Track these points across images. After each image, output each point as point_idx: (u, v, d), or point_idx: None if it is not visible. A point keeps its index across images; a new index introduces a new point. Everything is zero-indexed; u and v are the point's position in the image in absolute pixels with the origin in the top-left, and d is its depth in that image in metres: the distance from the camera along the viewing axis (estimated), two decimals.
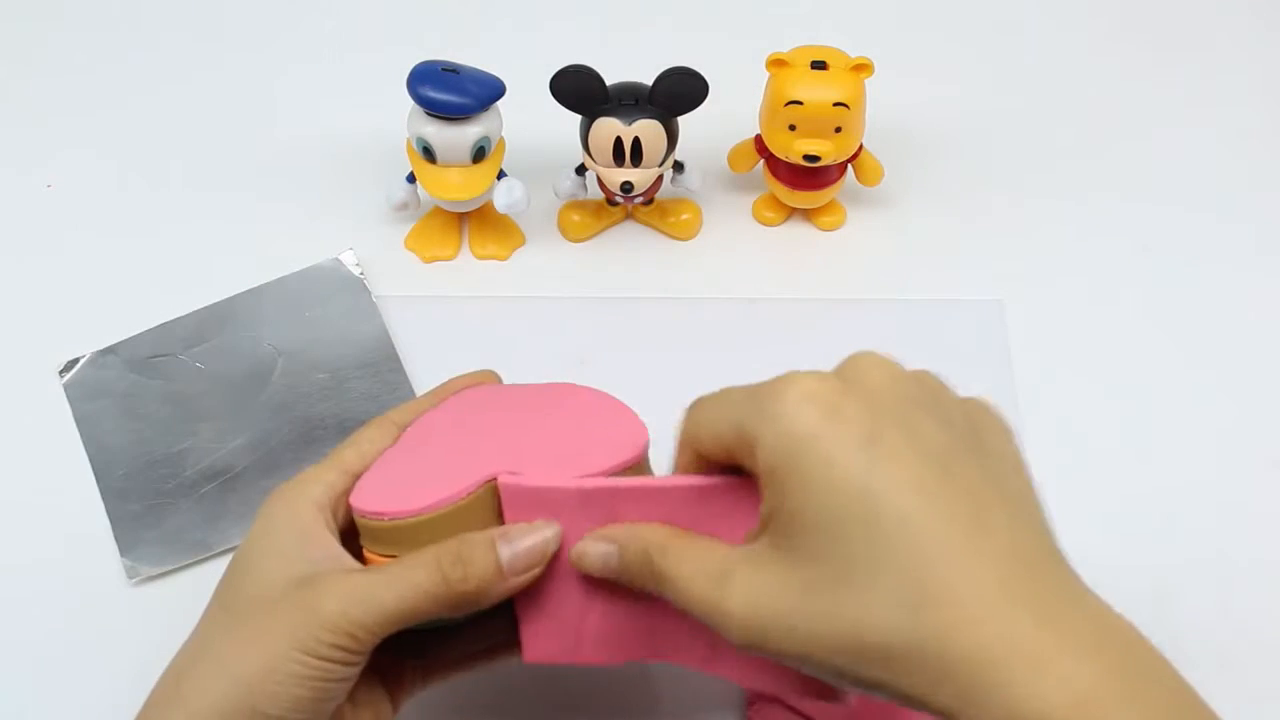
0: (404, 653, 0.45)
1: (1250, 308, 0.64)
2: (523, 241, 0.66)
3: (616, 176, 0.61)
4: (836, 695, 0.40)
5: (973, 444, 0.37)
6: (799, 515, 0.35)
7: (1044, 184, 0.69)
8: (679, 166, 0.64)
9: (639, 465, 0.43)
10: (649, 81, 0.59)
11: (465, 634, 0.46)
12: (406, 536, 0.42)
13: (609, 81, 0.60)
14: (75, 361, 0.61)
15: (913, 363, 0.39)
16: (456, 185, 0.61)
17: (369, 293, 0.63)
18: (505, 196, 0.63)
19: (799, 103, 0.60)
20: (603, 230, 0.67)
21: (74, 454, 0.59)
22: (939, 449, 0.35)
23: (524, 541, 0.41)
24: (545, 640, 0.42)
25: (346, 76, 0.73)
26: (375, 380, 0.61)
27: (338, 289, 0.63)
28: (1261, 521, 0.57)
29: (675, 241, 0.67)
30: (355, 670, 0.41)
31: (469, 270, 0.65)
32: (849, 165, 0.64)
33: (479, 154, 0.61)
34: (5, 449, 0.59)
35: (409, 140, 0.61)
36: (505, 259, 0.66)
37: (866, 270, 0.65)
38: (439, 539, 0.41)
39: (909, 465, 0.35)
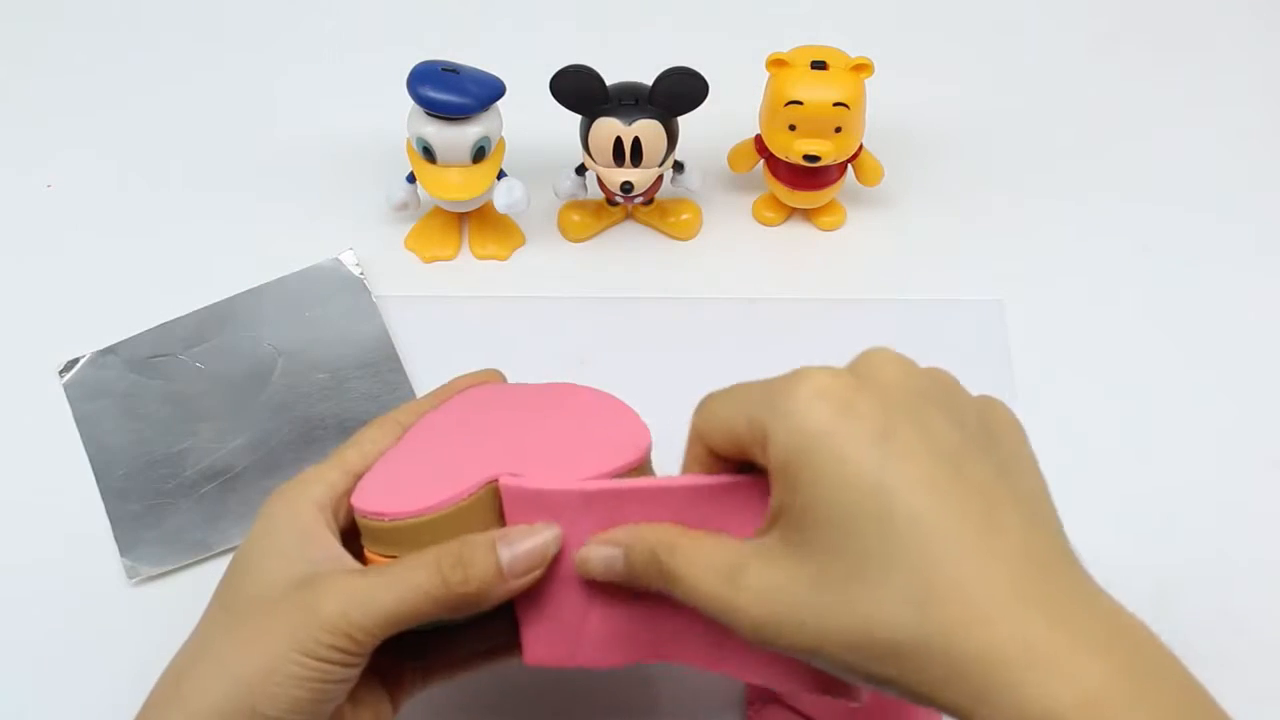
0: (404, 653, 0.45)
1: (1250, 308, 0.64)
2: (523, 241, 0.66)
3: (616, 176, 0.61)
4: (848, 692, 0.40)
5: (985, 442, 0.37)
6: (810, 510, 0.35)
7: (1044, 184, 0.69)
8: (679, 166, 0.64)
9: (641, 467, 0.43)
10: (649, 81, 0.59)
11: (466, 635, 0.46)
12: (407, 537, 0.42)
13: (609, 81, 0.60)
14: (75, 361, 0.61)
15: None
16: (456, 185, 0.61)
17: (369, 293, 0.63)
18: (505, 196, 0.63)
19: (799, 103, 0.60)
20: (603, 230, 0.67)
21: (74, 454, 0.59)
22: (952, 447, 0.35)
23: (524, 544, 0.41)
24: (546, 642, 0.42)
25: (346, 76, 0.73)
26: (375, 380, 0.61)
27: (338, 289, 0.63)
28: (1261, 521, 0.57)
29: (675, 241, 0.67)
30: (355, 672, 0.41)
31: (469, 270, 0.65)
32: (849, 165, 0.64)
33: (479, 154, 0.61)
34: (5, 449, 0.59)
35: (409, 140, 0.61)
36: (505, 259, 0.66)
37: (866, 270, 0.65)
38: (440, 540, 0.41)
39: (921, 462, 0.35)
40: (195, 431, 0.59)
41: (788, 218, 0.67)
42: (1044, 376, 0.61)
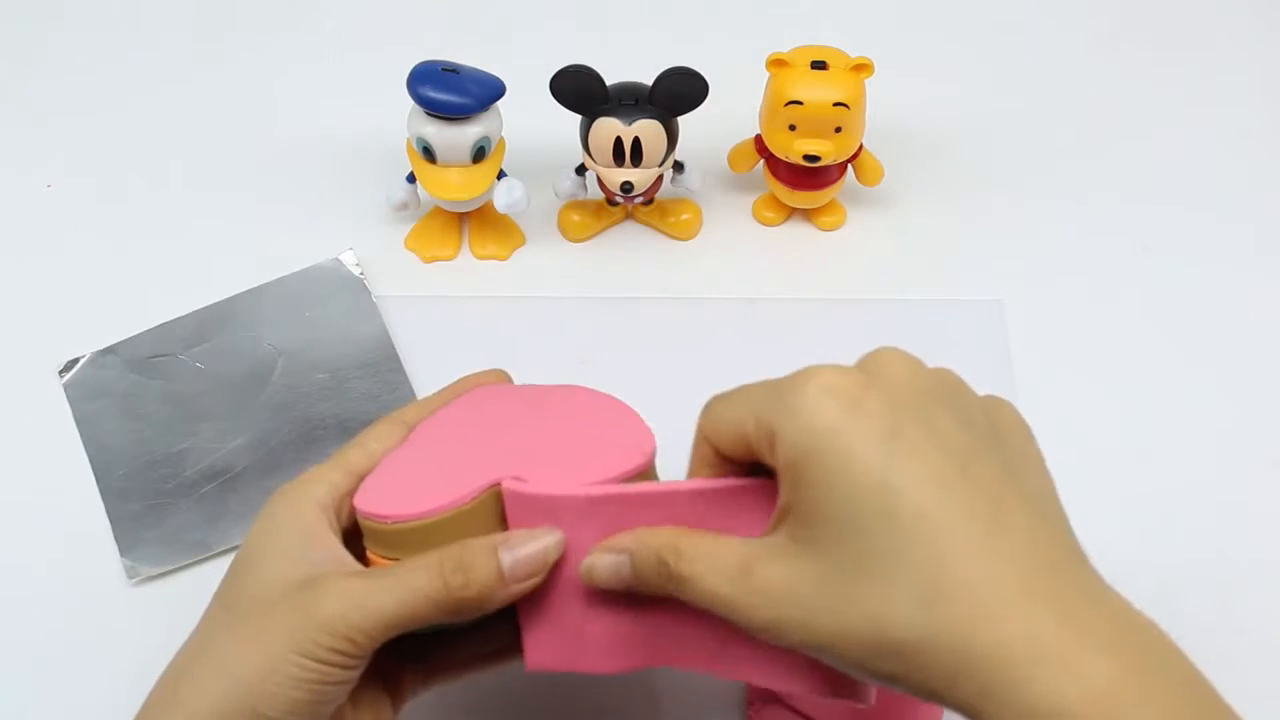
0: (405, 655, 0.45)
1: (1250, 308, 0.64)
2: (523, 241, 0.66)
3: (616, 176, 0.61)
4: (855, 693, 0.40)
5: (992, 442, 0.37)
6: (818, 508, 0.35)
7: (1044, 184, 0.69)
8: (679, 166, 0.64)
9: (646, 473, 0.43)
10: (649, 81, 0.59)
11: (468, 638, 0.46)
12: (409, 540, 0.42)
13: (609, 81, 0.60)
14: (75, 361, 0.61)
15: None
16: (456, 185, 0.61)
17: (369, 293, 0.63)
18: (505, 196, 0.63)
19: (799, 103, 0.60)
20: (603, 230, 0.67)
21: (74, 454, 0.59)
22: (959, 445, 0.36)
23: (526, 549, 0.40)
24: (547, 647, 0.42)
25: (346, 76, 0.73)
26: (375, 380, 0.61)
27: (338, 289, 0.63)
28: (1261, 521, 0.57)
29: (675, 241, 0.67)
30: (354, 674, 0.41)
31: (469, 270, 0.65)
32: (849, 165, 0.64)
33: (479, 154, 0.61)
34: (5, 449, 0.59)
35: (409, 140, 0.61)
36: (505, 259, 0.66)
37: (866, 270, 0.65)
38: (442, 543, 0.41)
39: (929, 460, 0.35)
40: (195, 431, 0.59)
41: (788, 218, 0.67)
42: (1044, 376, 0.61)
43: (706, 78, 0.59)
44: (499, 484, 0.42)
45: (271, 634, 0.40)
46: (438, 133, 0.60)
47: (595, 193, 0.65)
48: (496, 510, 0.42)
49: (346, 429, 0.59)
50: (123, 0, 0.77)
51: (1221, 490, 0.58)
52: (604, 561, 0.40)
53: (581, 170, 0.64)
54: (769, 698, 0.51)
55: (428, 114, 0.60)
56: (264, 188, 0.68)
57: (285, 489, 0.44)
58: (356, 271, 0.64)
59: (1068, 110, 0.72)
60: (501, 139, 0.62)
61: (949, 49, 0.75)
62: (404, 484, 0.44)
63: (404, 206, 0.65)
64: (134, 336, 0.62)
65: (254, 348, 0.62)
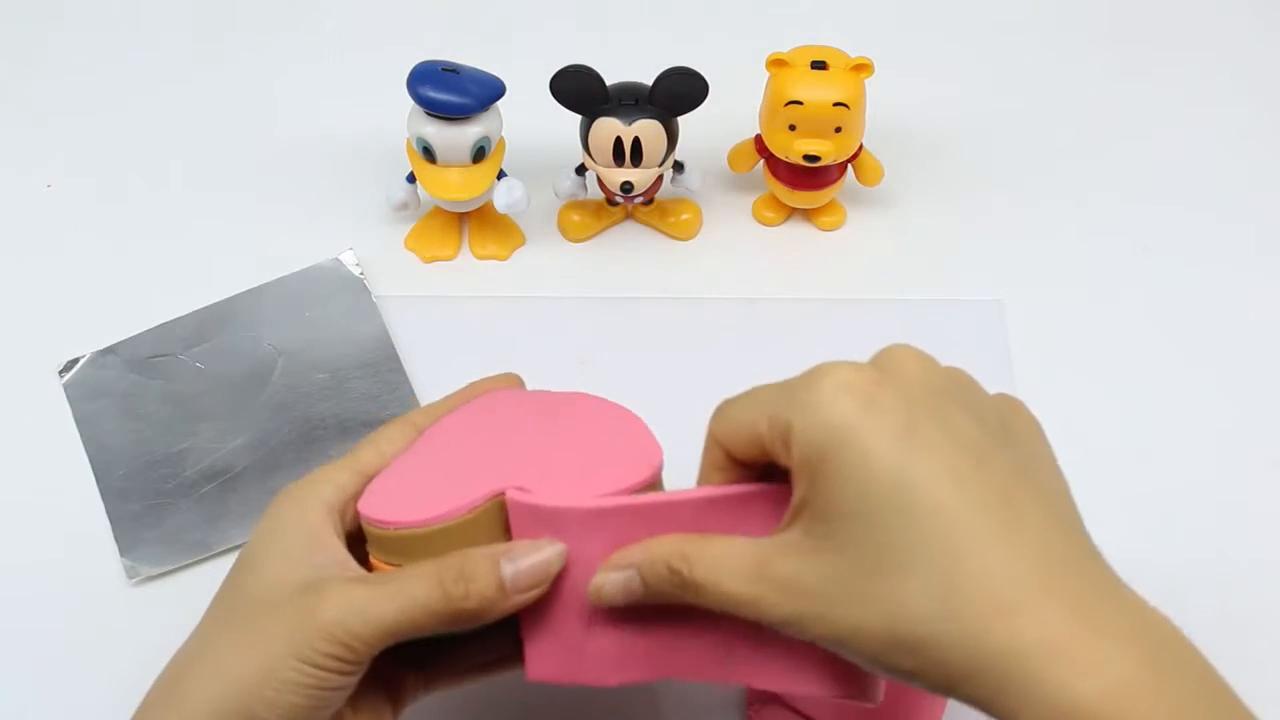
0: (406, 661, 0.45)
1: (1250, 308, 0.64)
2: (523, 241, 0.66)
3: (616, 176, 0.61)
4: (864, 692, 0.40)
5: (1006, 439, 0.37)
6: (834, 504, 0.35)
7: (1044, 184, 0.69)
8: (679, 166, 0.64)
9: (652, 486, 0.43)
10: (649, 81, 0.59)
11: (469, 645, 0.46)
12: (412, 547, 0.42)
13: (609, 81, 0.60)
14: (75, 361, 0.61)
15: None
16: (456, 185, 0.61)
17: (369, 293, 0.63)
18: (505, 196, 0.63)
19: (799, 103, 0.60)
20: (603, 230, 0.67)
21: (74, 454, 0.59)
22: (974, 442, 0.36)
23: (527, 560, 0.40)
24: (549, 659, 0.42)
25: (346, 76, 0.73)
26: (375, 380, 0.61)
27: (338, 289, 0.63)
28: (1261, 521, 0.57)
29: (675, 241, 0.67)
30: (352, 680, 0.40)
31: (469, 270, 0.65)
32: (849, 165, 0.64)
33: (479, 154, 0.61)
34: (5, 449, 0.59)
35: (409, 140, 0.61)
36: (505, 259, 0.66)
37: (866, 270, 0.65)
38: (444, 551, 0.41)
39: (945, 456, 0.35)
40: (195, 431, 0.59)
41: (788, 218, 0.67)
42: (1044, 376, 0.61)
43: (706, 78, 0.59)
44: (503, 493, 0.41)
45: (270, 637, 0.40)
46: (438, 133, 0.60)
47: (595, 193, 0.65)
48: (500, 519, 0.42)
49: (346, 429, 0.59)
50: (123, 0, 0.77)
51: (1221, 490, 0.58)
52: (612, 579, 0.40)
53: (581, 170, 0.64)
54: (769, 698, 0.51)
55: (428, 114, 0.60)
56: (264, 188, 0.68)
57: (291, 489, 0.44)
58: (356, 271, 0.64)
59: (1068, 110, 0.72)
60: (501, 139, 0.62)
61: (949, 49, 0.75)
62: (408, 490, 0.43)
63: (404, 206, 0.65)
64: (134, 336, 0.62)
65: (254, 348, 0.62)
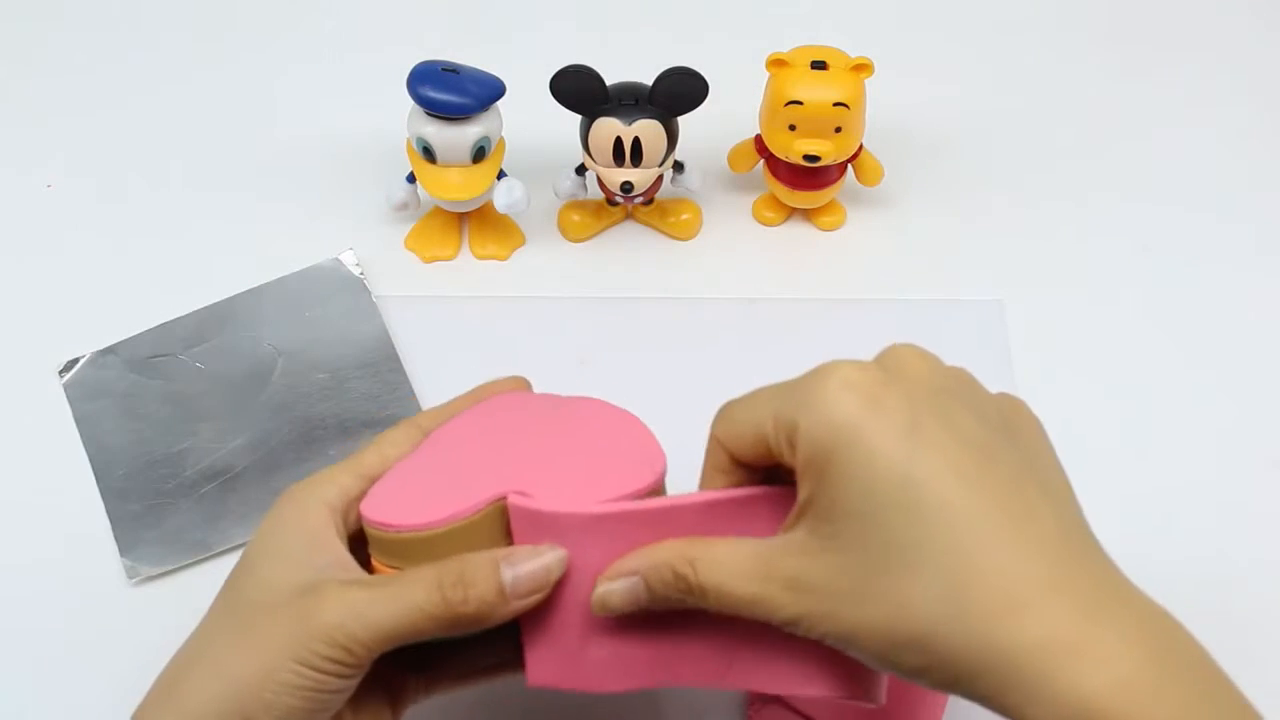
0: (407, 663, 0.45)
1: (1250, 308, 0.64)
2: (523, 241, 0.66)
3: (616, 176, 0.61)
4: (867, 693, 0.40)
5: (1009, 438, 0.37)
6: (839, 503, 0.35)
7: (1044, 184, 0.69)
8: (679, 166, 0.64)
9: (655, 492, 0.42)
10: (649, 81, 0.59)
11: (471, 649, 0.46)
12: (413, 550, 0.41)
13: (609, 81, 0.60)
14: (75, 361, 0.61)
15: None
16: (456, 185, 0.61)
17: (369, 293, 0.63)
18: (505, 196, 0.63)
19: (799, 103, 0.60)
20: (603, 230, 0.67)
21: (74, 454, 0.59)
22: (979, 440, 0.36)
23: (528, 565, 0.40)
24: (550, 665, 0.42)
25: (346, 76, 0.73)
26: (375, 380, 0.61)
27: (338, 289, 0.63)
28: (1261, 521, 0.57)
29: (675, 241, 0.67)
30: (351, 683, 0.40)
31: (469, 270, 0.65)
32: (849, 165, 0.64)
33: (479, 154, 0.61)
34: (5, 449, 0.59)
35: (409, 140, 0.61)
36: (505, 259, 0.66)
37: (866, 270, 0.66)
38: (445, 555, 0.41)
39: (950, 454, 0.35)
40: (195, 431, 0.59)
41: (788, 218, 0.67)
42: (1044, 376, 0.61)
43: (706, 78, 0.59)
44: (505, 497, 0.41)
45: (269, 639, 0.40)
46: (438, 133, 0.60)
47: (595, 193, 0.65)
48: (502, 524, 0.41)
49: (346, 429, 0.59)
50: (123, 0, 0.77)
51: (1221, 490, 0.58)
52: (616, 588, 0.40)
53: (581, 170, 0.64)
54: (769, 698, 0.51)
55: (428, 114, 0.60)
56: (264, 188, 0.68)
57: (294, 489, 0.44)
58: (356, 271, 0.64)
59: (1068, 110, 0.72)
60: (501, 139, 0.62)
61: (949, 49, 0.75)
62: (411, 492, 0.43)
63: (404, 206, 0.65)
64: (134, 336, 0.62)
65: (254, 348, 0.62)
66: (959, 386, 0.38)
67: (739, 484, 0.41)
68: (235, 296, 0.63)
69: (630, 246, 0.66)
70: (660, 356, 0.62)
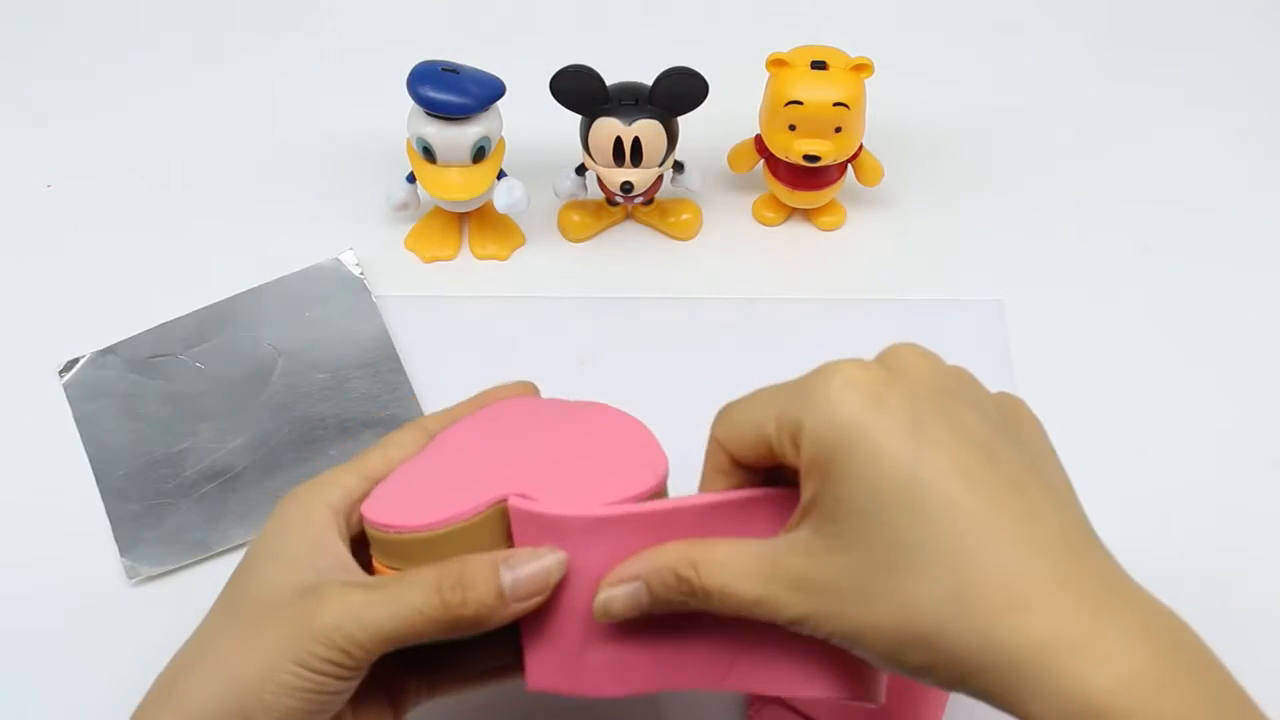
0: (408, 665, 0.45)
1: (1250, 308, 0.64)
2: (523, 241, 0.66)
3: (616, 176, 0.61)
4: (868, 694, 0.40)
5: (1011, 436, 0.37)
6: (844, 503, 0.36)
7: (1044, 184, 0.69)
8: (679, 166, 0.64)
9: (656, 496, 0.42)
10: (649, 81, 0.59)
11: (472, 652, 0.46)
12: (413, 551, 0.41)
13: (609, 81, 0.60)
14: (75, 361, 0.61)
15: None
16: (456, 185, 0.61)
17: (369, 293, 0.63)
18: (505, 196, 0.63)
19: (799, 103, 0.60)
20: (603, 230, 0.67)
21: (74, 454, 0.59)
22: (982, 439, 0.36)
23: (527, 568, 0.40)
24: (550, 668, 0.42)
25: (346, 76, 0.73)
26: (375, 380, 0.61)
27: (338, 289, 0.63)
28: (1261, 521, 0.58)
29: (675, 241, 0.67)
30: (350, 684, 0.40)
31: (469, 270, 0.65)
32: (849, 165, 0.64)
33: (479, 154, 0.61)
34: (5, 449, 0.59)
35: (409, 140, 0.61)
36: (505, 259, 0.66)
37: (866, 270, 0.66)
38: (445, 556, 0.40)
39: (954, 453, 0.35)
40: (195, 431, 0.59)
41: (788, 218, 0.67)
42: (1044, 376, 0.61)
43: (706, 78, 0.59)
44: (506, 500, 0.41)
45: (269, 640, 0.40)
46: (438, 133, 0.60)
47: (595, 193, 0.65)
48: (503, 526, 0.41)
49: (346, 429, 0.59)
50: (123, 0, 0.77)
51: (1221, 490, 0.58)
52: (619, 593, 0.39)
53: (581, 170, 0.64)
54: (769, 698, 0.51)
55: (428, 114, 0.60)
56: (264, 188, 0.68)
57: (297, 491, 0.44)
58: (356, 271, 0.64)
59: (1068, 110, 0.72)
60: (501, 139, 0.62)
61: (949, 49, 0.75)
62: (413, 494, 0.43)
63: (404, 206, 0.65)
64: (134, 336, 0.62)
65: (254, 348, 0.62)
66: (960, 386, 0.38)
67: (739, 485, 0.41)
68: (235, 296, 0.63)
69: (630, 246, 0.66)
70: (660, 356, 0.62)
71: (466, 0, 0.77)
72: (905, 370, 0.37)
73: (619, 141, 0.60)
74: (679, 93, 0.59)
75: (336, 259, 0.64)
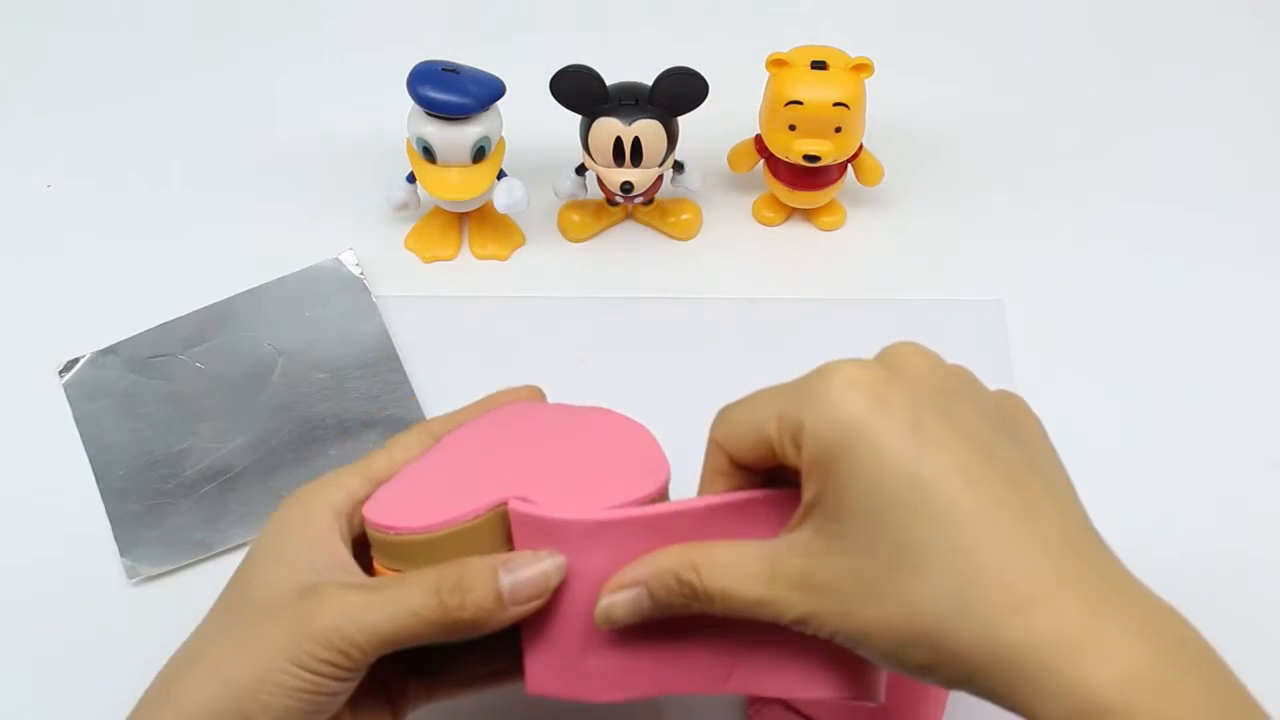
0: (409, 668, 0.45)
1: (1250, 308, 0.64)
2: (523, 241, 0.66)
3: (616, 176, 0.61)
4: (868, 693, 0.40)
5: (1011, 434, 0.37)
6: (846, 503, 0.36)
7: (1044, 184, 0.69)
8: (679, 166, 0.64)
9: (658, 501, 0.42)
10: (649, 81, 0.59)
11: (472, 655, 0.45)
12: (413, 553, 0.41)
13: (609, 81, 0.60)
14: (75, 361, 0.61)
15: None
16: (456, 185, 0.61)
17: (369, 293, 0.63)
18: (505, 196, 0.63)
19: (799, 103, 0.60)
20: (603, 230, 0.67)
21: (74, 454, 0.59)
22: (982, 437, 0.36)
23: (526, 571, 0.40)
24: (549, 673, 0.41)
25: (346, 76, 0.73)
26: (375, 380, 0.61)
27: (338, 289, 0.63)
28: (1261, 521, 0.57)
29: (675, 241, 0.67)
30: (348, 686, 0.40)
31: (469, 270, 0.65)
32: (849, 165, 0.64)
33: (479, 154, 0.61)
34: (5, 449, 0.59)
35: (409, 140, 0.61)
36: (505, 259, 0.66)
37: (866, 270, 0.65)
38: (445, 559, 0.40)
39: (955, 452, 0.35)
40: (195, 431, 0.59)
41: (788, 218, 0.67)
42: (1044, 376, 0.61)
43: (706, 78, 0.59)
44: (506, 503, 0.41)
45: (267, 640, 0.40)
46: (438, 133, 0.60)
47: (595, 193, 0.65)
48: (503, 529, 0.41)
49: (346, 429, 0.59)
50: (123, 0, 0.77)
51: (1221, 490, 0.58)
52: (619, 600, 0.39)
53: (581, 170, 0.64)
54: (769, 698, 0.51)
55: (428, 114, 0.60)
56: (264, 188, 0.68)
57: (300, 492, 0.44)
58: (356, 271, 0.64)
59: (1068, 110, 0.72)
60: (501, 139, 0.62)
61: (949, 49, 0.75)
62: (415, 496, 0.43)
63: (404, 206, 0.65)
64: (134, 336, 0.62)
65: (254, 348, 0.62)
66: (960, 384, 0.38)
67: (738, 487, 0.40)
68: (235, 296, 0.63)
69: (630, 246, 0.66)
70: (660, 356, 0.62)
71: (466, 0, 0.77)
72: (905, 369, 0.37)
73: (619, 141, 0.60)
74: (679, 93, 0.59)
75: (336, 259, 0.64)
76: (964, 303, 0.64)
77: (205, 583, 0.44)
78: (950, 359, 0.39)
